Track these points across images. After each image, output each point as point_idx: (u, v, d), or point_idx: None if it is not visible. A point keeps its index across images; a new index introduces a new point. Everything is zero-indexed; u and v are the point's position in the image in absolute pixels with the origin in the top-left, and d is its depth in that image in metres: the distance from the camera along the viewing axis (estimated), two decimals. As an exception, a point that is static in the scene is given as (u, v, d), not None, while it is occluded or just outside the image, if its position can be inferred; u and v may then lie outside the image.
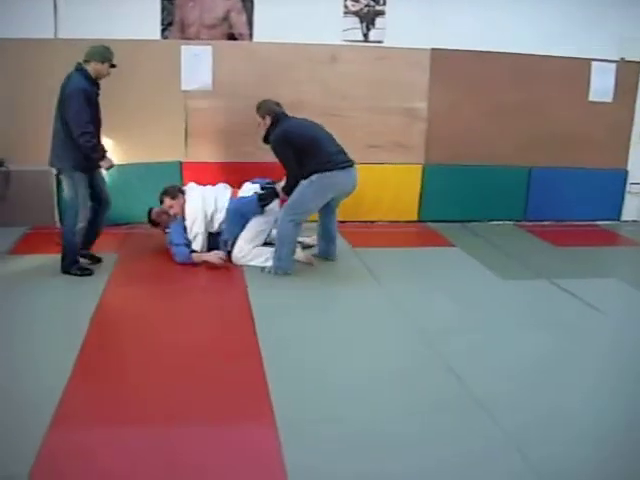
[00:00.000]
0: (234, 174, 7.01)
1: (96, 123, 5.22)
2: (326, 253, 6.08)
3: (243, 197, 5.93)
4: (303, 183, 5.49)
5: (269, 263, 5.61)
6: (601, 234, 7.90)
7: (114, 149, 6.84)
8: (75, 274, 5.34)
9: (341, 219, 7.17)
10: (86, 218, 5.34)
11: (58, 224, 6.64)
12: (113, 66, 5.28)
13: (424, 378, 3.88)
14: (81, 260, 5.49)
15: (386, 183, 7.52)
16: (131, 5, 6.86)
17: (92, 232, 5.53)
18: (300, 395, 3.58)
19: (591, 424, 3.45)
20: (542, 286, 5.67)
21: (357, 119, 7.35)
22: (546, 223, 8.07)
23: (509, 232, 7.68)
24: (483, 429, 3.32)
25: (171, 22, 7.05)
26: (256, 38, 7.24)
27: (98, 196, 5.50)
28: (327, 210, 5.88)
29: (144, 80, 6.83)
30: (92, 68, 5.18)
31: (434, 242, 6.99)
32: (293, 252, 5.67)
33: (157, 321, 4.61)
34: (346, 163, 5.60)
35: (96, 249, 5.87)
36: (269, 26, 7.16)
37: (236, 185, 6.18)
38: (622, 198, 8.40)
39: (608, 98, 8.06)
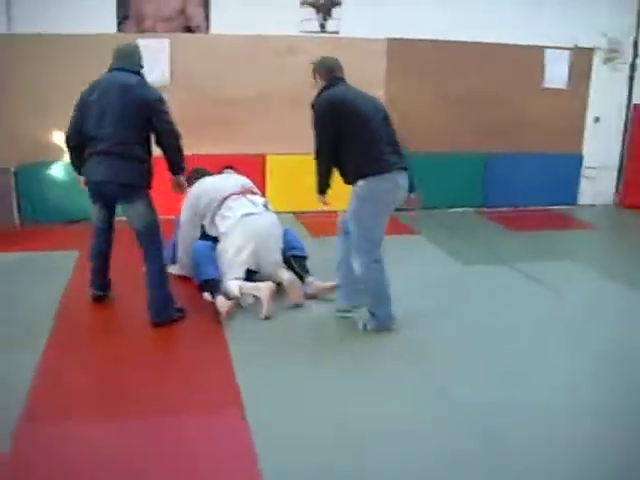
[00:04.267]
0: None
1: None
2: (349, 301, 4.69)
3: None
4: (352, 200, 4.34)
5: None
6: (558, 218, 8.06)
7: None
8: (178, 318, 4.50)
9: (302, 209, 7.26)
10: None
11: (17, 221, 6.58)
12: None
13: (386, 364, 3.96)
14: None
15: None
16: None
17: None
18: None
19: (549, 402, 3.56)
20: (502, 270, 5.80)
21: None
22: (505, 209, 8.21)
23: (469, 219, 7.81)
24: (444, 409, 3.42)
25: (127, 15, 6.99)
26: (213, 30, 7.22)
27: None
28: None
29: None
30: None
31: (398, 230, 7.05)
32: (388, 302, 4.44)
33: (119, 321, 4.61)
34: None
35: (57, 246, 5.84)
36: (226, 18, 7.14)
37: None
38: (578, 182, 8.58)
39: (562, 85, 8.21)
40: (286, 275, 4.86)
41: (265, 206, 5.10)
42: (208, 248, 4.88)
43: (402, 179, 4.31)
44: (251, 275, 4.86)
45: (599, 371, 4.02)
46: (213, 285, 4.67)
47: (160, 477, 2.84)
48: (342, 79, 4.49)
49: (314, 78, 4.49)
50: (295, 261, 5.07)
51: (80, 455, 2.96)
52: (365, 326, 4.42)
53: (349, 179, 4.32)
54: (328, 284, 4.88)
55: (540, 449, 3.08)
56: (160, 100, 4.36)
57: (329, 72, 4.44)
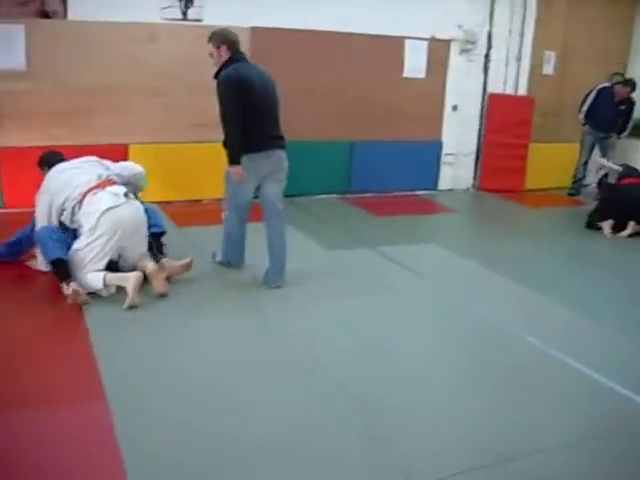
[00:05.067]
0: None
1: None
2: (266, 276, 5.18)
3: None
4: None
5: (102, 293, 4.68)
6: (420, 203, 8.40)
7: None
8: None
9: (168, 199, 7.22)
10: None
11: None
12: None
13: (253, 347, 4.07)
14: None
15: (212, 161, 7.53)
16: None
17: None
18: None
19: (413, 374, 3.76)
20: (365, 254, 6.01)
21: (181, 99, 7.33)
22: (369, 195, 8.46)
23: (334, 205, 8.02)
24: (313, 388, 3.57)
25: (-24, -1, 6.70)
26: (71, 16, 7.02)
27: None
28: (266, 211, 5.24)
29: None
30: None
31: (260, 218, 7.12)
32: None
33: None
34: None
35: None
36: (84, 4, 6.95)
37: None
38: (438, 168, 8.96)
39: (421, 74, 8.53)
40: (150, 265, 4.84)
41: (126, 195, 5.03)
42: (51, 230, 4.83)
43: (280, 156, 5.08)
44: (113, 265, 4.82)
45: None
46: (61, 267, 4.64)
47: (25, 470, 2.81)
48: (243, 54, 4.94)
49: (216, 48, 4.82)
50: (153, 239, 5.11)
51: None
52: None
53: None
54: (182, 262, 5.04)
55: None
56: None
57: (234, 45, 4.87)
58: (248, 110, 4.73)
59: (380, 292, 5.07)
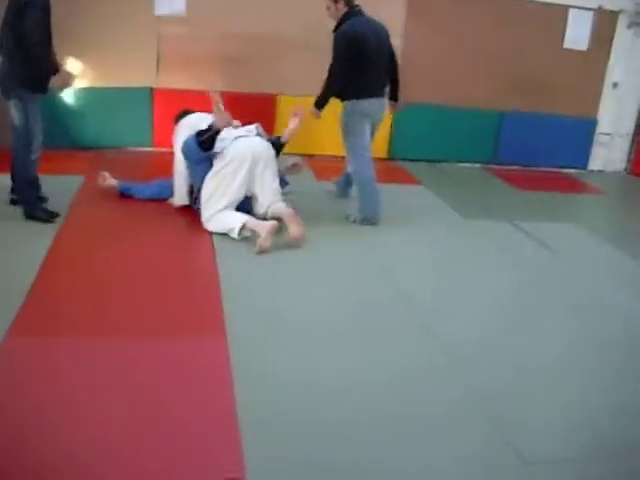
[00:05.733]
0: (205, 102, 6.98)
1: (49, 33, 4.61)
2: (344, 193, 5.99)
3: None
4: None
5: (234, 234, 4.76)
6: (566, 181, 8.02)
7: (82, 71, 6.81)
8: (41, 219, 4.78)
9: (310, 152, 7.25)
10: (40, 147, 4.84)
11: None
12: None
13: (384, 312, 3.96)
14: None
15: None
16: None
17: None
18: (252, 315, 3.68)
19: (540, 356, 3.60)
20: (502, 227, 5.79)
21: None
22: (514, 167, 8.16)
23: (476, 174, 7.79)
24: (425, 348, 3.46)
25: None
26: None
27: None
28: None
29: (116, 3, 6.70)
30: None
31: (402, 179, 7.06)
32: (375, 196, 5.41)
33: (118, 250, 4.62)
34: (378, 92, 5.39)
35: (63, 171, 5.87)
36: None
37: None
38: (590, 147, 8.51)
39: (583, 46, 8.09)
40: (285, 209, 4.88)
41: (258, 133, 5.14)
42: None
43: (385, 102, 5.49)
44: (247, 205, 4.96)
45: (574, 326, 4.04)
46: None
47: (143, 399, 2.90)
48: (358, 6, 5.20)
49: (334, 2, 5.13)
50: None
51: (65, 373, 3.02)
52: (353, 219, 5.36)
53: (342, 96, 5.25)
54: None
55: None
56: None
57: (352, 0, 5.16)
58: (365, 62, 5.10)
59: (510, 266, 4.89)
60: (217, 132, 4.82)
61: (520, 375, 3.35)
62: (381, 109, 5.48)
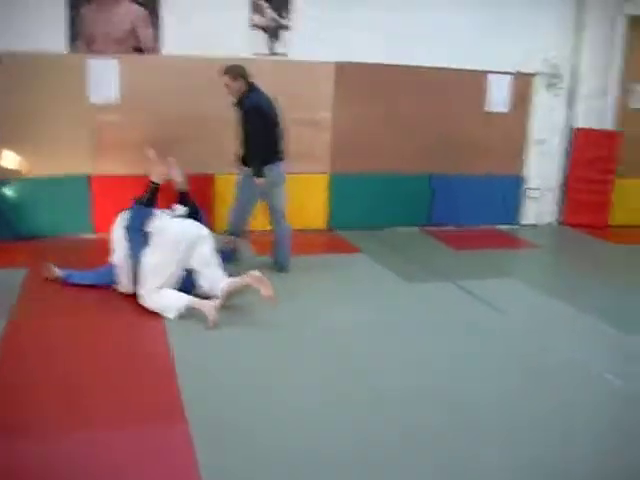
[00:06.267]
0: (142, 186, 7.07)
1: None
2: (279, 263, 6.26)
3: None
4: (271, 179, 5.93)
5: (170, 314, 4.86)
6: (501, 237, 8.31)
7: (20, 161, 6.87)
8: None
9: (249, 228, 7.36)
10: None
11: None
12: None
13: (328, 375, 4.09)
14: None
15: (293, 192, 7.65)
16: (37, 16, 6.82)
17: None
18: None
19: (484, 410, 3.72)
20: (445, 288, 5.97)
21: (265, 130, 7.49)
22: (449, 228, 8.42)
23: (414, 237, 8.00)
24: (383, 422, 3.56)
25: (78, 35, 7.04)
26: (165, 51, 7.31)
27: None
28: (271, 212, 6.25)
29: (52, 93, 6.82)
30: None
31: (341, 249, 7.22)
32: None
33: (70, 337, 4.62)
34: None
35: (5, 264, 5.88)
36: (177, 40, 7.23)
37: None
38: (519, 203, 8.85)
39: (504, 108, 8.50)
40: (250, 275, 4.93)
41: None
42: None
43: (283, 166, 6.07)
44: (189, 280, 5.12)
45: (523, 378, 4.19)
46: None
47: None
48: (254, 83, 5.98)
49: (234, 81, 5.87)
50: None
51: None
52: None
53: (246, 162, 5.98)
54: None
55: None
56: None
57: (246, 77, 5.92)
58: (270, 129, 5.93)
59: (459, 329, 5.01)
60: (157, 187, 5.24)
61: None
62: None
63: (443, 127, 8.22)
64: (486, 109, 8.43)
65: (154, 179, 5.32)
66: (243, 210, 6.22)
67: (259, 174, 5.87)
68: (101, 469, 3.02)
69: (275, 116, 6.00)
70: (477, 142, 8.36)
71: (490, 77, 8.34)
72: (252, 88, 5.97)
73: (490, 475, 3.14)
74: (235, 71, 5.92)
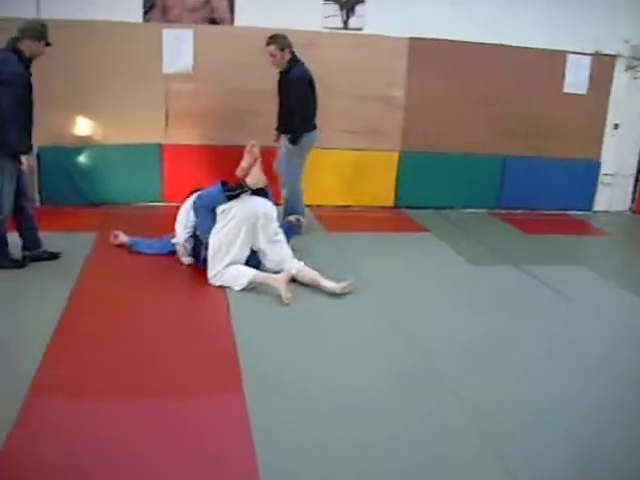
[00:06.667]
0: (213, 157, 7.16)
1: (29, 109, 4.83)
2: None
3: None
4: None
5: (237, 287, 4.87)
6: (572, 223, 8.08)
7: (95, 129, 6.98)
8: (7, 266, 4.99)
9: (318, 203, 7.36)
10: (10, 209, 4.97)
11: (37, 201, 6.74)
12: (48, 44, 4.88)
13: (392, 355, 4.02)
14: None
15: (362, 169, 7.64)
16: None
17: (31, 229, 5.21)
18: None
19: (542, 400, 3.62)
20: (510, 272, 5.81)
21: (335, 105, 7.41)
22: (519, 211, 8.24)
23: (482, 220, 7.84)
24: (443, 400, 3.49)
25: (153, 5, 7.10)
26: (237, 23, 7.31)
27: (21, 190, 5.06)
28: None
29: (126, 62, 6.90)
30: (27, 47, 4.75)
31: (408, 228, 7.13)
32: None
33: (134, 305, 4.67)
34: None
35: (76, 228, 5.98)
36: (251, 11, 7.22)
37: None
38: (594, 189, 8.60)
39: (583, 90, 8.23)
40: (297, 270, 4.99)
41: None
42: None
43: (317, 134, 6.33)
44: (255, 258, 5.09)
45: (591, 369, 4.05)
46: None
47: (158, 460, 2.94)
48: (295, 54, 6.09)
49: (281, 51, 5.97)
50: None
51: (90, 435, 3.04)
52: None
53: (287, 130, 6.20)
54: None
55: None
56: None
57: (291, 47, 6.03)
58: (313, 99, 6.14)
59: (521, 314, 4.86)
60: (247, 191, 4.92)
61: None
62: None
63: (519, 108, 8.00)
64: (565, 90, 8.17)
65: (249, 183, 4.96)
66: (296, 179, 6.35)
67: (296, 141, 6.09)
68: (169, 433, 3.05)
69: (314, 86, 6.15)
70: (554, 124, 8.12)
71: (570, 57, 8.08)
72: (295, 58, 6.06)
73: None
74: (281, 41, 5.98)
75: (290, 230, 5.48)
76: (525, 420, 3.35)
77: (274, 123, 6.59)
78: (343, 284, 4.86)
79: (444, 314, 4.76)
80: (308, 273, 4.99)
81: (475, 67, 7.81)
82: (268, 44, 6.00)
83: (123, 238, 5.64)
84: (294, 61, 6.07)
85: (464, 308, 4.87)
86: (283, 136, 6.34)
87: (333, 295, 4.83)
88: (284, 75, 6.14)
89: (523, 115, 8.03)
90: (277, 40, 5.99)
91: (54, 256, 5.30)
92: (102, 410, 3.21)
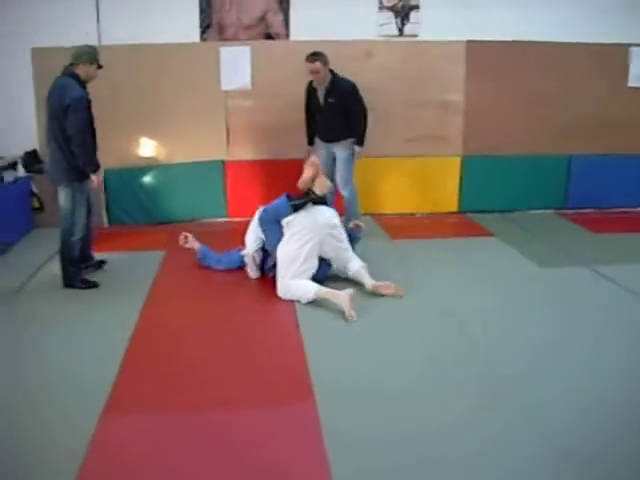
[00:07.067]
0: (273, 171, 7.21)
1: (93, 131, 5.05)
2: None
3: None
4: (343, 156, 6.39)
5: (306, 300, 4.86)
6: (644, 221, 7.83)
7: (158, 149, 7.11)
8: (80, 287, 5.17)
9: (380, 211, 7.35)
10: (83, 230, 5.19)
11: (105, 222, 6.92)
12: (100, 67, 5.08)
13: (458, 359, 3.99)
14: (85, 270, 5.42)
15: (425, 175, 7.59)
16: (169, 9, 7.08)
17: (86, 239, 5.40)
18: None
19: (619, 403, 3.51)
20: (581, 273, 5.67)
21: (394, 113, 7.40)
22: (587, 211, 8.03)
23: (549, 221, 7.67)
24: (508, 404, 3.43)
25: (209, 24, 7.22)
26: (293, 37, 7.37)
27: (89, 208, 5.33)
28: None
29: (186, 81, 7.02)
30: (82, 71, 4.97)
31: (474, 232, 7.04)
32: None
33: (204, 319, 4.75)
34: None
35: (143, 246, 6.11)
36: (305, 25, 7.29)
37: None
38: (665, 184, 8.32)
39: (648, 83, 8.00)
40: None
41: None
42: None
43: None
44: (324, 267, 5.18)
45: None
46: None
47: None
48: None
49: (325, 66, 6.09)
50: None
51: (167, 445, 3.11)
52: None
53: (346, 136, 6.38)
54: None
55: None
56: None
57: (329, 63, 6.16)
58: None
59: (594, 313, 4.74)
60: (314, 200, 5.04)
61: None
62: None
63: (582, 105, 7.80)
64: (629, 84, 7.95)
65: (317, 191, 5.08)
66: (353, 181, 6.54)
67: (363, 142, 6.32)
68: (241, 445, 3.07)
69: None
70: (620, 120, 7.88)
71: (634, 50, 7.86)
72: (334, 72, 6.23)
73: None
74: (324, 57, 6.09)
75: (350, 236, 5.47)
76: (597, 428, 3.26)
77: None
78: (380, 283, 4.99)
79: (514, 317, 4.67)
80: (362, 277, 5.09)
81: (533, 66, 7.65)
82: (313, 61, 6.07)
83: (193, 243, 5.75)
84: (334, 74, 6.23)
85: (534, 311, 4.78)
86: (324, 144, 6.50)
87: (397, 299, 4.92)
88: (329, 88, 6.23)
89: (587, 112, 7.81)
90: (321, 57, 6.08)
91: (101, 263, 5.62)
92: (173, 424, 3.27)
